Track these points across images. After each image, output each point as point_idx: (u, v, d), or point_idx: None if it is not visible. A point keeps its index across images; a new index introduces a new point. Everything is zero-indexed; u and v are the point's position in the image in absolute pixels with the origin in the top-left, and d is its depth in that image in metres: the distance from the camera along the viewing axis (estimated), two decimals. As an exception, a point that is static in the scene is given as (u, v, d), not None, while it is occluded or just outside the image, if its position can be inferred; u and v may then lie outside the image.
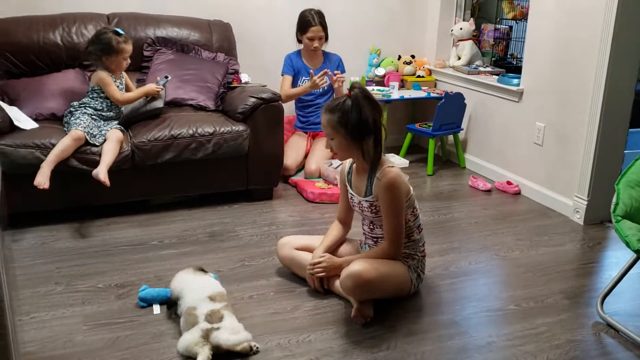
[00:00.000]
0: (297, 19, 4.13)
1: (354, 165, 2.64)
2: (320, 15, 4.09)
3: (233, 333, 2.18)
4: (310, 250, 2.76)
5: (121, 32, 3.50)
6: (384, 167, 2.49)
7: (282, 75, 4.24)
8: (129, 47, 3.51)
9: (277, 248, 2.84)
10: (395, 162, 3.92)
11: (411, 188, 2.56)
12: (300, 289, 2.72)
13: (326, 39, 4.16)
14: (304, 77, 4.21)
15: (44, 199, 3.30)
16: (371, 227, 2.65)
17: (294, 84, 4.24)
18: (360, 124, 2.41)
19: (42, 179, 3.10)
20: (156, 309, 2.52)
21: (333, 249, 2.75)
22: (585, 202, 3.52)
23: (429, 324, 2.47)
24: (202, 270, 2.60)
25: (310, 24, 4.06)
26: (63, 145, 3.20)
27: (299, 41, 4.20)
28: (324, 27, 4.10)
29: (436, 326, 2.45)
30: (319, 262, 2.61)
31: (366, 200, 2.55)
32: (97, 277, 2.80)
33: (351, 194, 2.65)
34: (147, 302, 2.55)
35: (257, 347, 2.24)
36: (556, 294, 2.72)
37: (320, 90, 4.19)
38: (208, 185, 3.68)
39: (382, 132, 2.50)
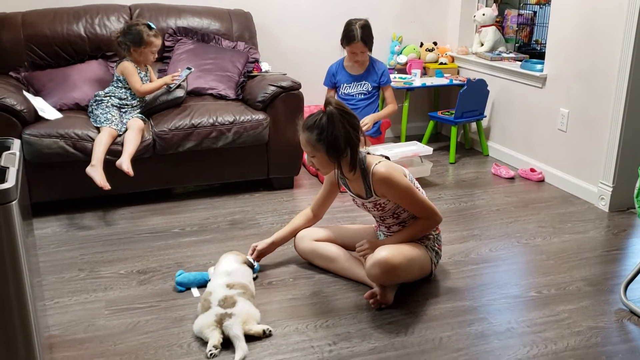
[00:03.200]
0: (343, 28, 3.99)
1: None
2: (364, 29, 3.92)
3: (248, 318, 2.21)
4: (328, 240, 2.77)
5: (153, 26, 3.57)
6: (372, 167, 2.47)
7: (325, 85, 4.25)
8: (157, 41, 3.57)
9: (295, 242, 2.83)
10: (419, 150, 3.90)
11: (404, 169, 2.55)
12: (319, 275, 2.73)
13: (370, 49, 4.03)
14: (345, 84, 4.16)
15: (68, 188, 3.38)
16: (381, 218, 2.65)
17: (337, 92, 4.21)
18: (336, 141, 2.39)
19: (103, 181, 3.17)
20: (195, 292, 2.58)
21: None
22: (611, 189, 3.45)
23: (448, 309, 2.46)
24: (249, 265, 2.60)
25: (353, 39, 3.92)
26: (104, 144, 3.27)
27: (344, 47, 4.05)
28: (367, 42, 3.96)
29: (455, 312, 2.44)
30: (362, 246, 2.58)
31: (369, 202, 2.56)
32: (120, 264, 2.85)
33: (352, 196, 2.65)
34: (185, 287, 2.60)
35: (271, 331, 2.25)
36: (578, 281, 2.69)
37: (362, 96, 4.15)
38: (229, 174, 3.70)
39: (362, 139, 2.48)
